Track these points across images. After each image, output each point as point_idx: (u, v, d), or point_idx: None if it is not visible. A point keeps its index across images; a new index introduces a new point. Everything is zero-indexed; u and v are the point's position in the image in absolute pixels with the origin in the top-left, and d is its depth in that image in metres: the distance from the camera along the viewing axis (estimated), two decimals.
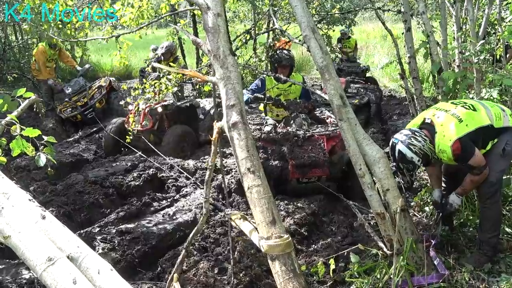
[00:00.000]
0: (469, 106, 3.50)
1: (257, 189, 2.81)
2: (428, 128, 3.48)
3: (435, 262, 3.34)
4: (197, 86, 9.07)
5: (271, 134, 5.42)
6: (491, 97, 4.35)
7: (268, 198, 2.80)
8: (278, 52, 5.98)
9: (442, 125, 3.40)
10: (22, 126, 2.98)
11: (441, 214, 3.82)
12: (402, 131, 3.53)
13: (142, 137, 7.04)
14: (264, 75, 5.65)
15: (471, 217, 4.13)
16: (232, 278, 3.56)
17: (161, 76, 5.24)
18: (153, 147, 5.95)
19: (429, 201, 4.58)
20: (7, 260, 4.15)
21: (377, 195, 3.24)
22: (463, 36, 5.26)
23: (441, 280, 3.20)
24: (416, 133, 3.43)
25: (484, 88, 4.68)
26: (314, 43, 3.33)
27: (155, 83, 4.59)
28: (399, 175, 3.59)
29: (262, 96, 5.59)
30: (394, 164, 3.49)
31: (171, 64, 7.80)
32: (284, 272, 2.61)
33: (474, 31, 5.00)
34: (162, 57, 8.55)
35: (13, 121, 3.01)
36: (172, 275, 2.94)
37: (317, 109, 6.55)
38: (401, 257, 3.14)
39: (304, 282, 2.65)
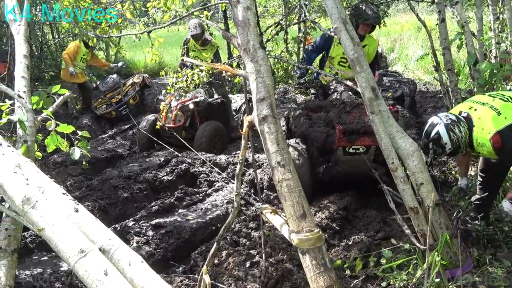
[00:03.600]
0: (507, 98, 3.40)
1: (287, 183, 2.79)
2: (465, 121, 3.40)
3: None
4: (229, 79, 9.07)
5: (316, 101, 5.08)
6: None
7: (299, 192, 2.78)
8: (363, 6, 5.16)
9: (480, 118, 3.31)
10: (57, 122, 3.05)
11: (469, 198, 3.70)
12: (448, 113, 3.45)
13: (175, 133, 7.13)
14: (328, 33, 4.72)
15: None
16: (264, 272, 3.56)
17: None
18: (186, 143, 6.03)
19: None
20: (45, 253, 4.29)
21: (411, 190, 3.18)
22: (500, 26, 5.10)
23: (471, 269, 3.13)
24: (461, 122, 3.34)
25: None
26: (345, 35, 3.28)
27: (187, 72, 4.64)
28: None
29: (314, 80, 5.32)
30: (423, 140, 3.41)
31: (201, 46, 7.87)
32: (315, 266, 2.60)
33: None
34: (195, 38, 7.99)
35: (49, 117, 3.08)
36: (202, 268, 2.96)
37: None
38: (436, 252, 3.08)
39: (335, 276, 2.62)
